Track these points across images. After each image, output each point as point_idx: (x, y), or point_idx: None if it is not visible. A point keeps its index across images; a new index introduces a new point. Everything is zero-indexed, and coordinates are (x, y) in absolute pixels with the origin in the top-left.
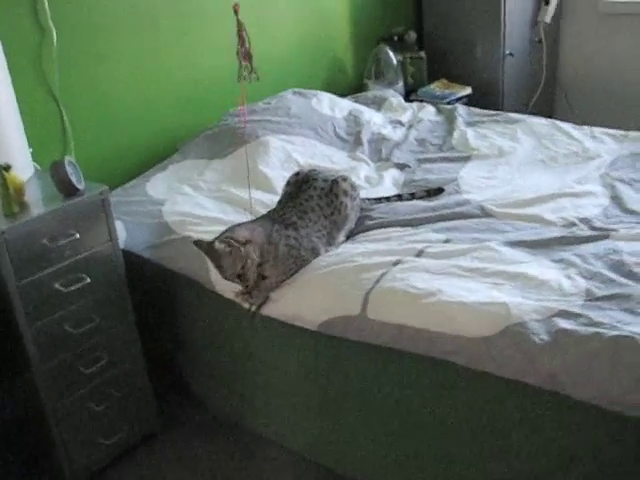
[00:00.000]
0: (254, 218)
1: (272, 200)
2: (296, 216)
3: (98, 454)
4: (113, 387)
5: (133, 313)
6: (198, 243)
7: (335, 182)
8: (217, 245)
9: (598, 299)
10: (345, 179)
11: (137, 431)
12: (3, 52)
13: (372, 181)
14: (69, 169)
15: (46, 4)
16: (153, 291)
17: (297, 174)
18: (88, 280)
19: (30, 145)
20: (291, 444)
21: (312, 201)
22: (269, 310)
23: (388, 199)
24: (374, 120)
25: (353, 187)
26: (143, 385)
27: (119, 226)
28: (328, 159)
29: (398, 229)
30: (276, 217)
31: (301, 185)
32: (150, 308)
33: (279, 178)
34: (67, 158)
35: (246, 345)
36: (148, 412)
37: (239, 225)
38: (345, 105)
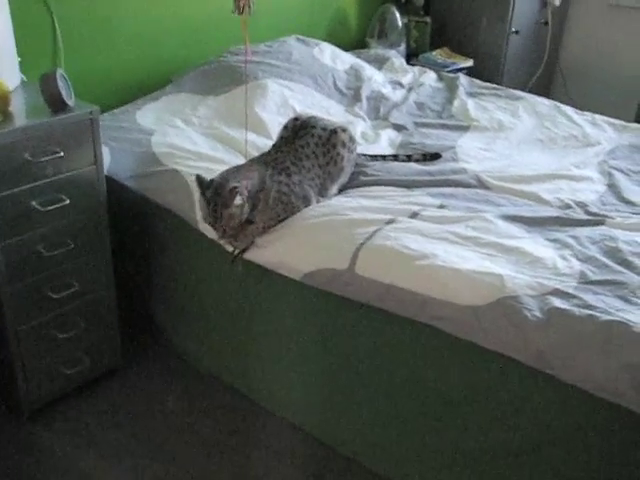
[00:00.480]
0: (250, 159)
1: (265, 144)
2: (290, 161)
3: (57, 383)
4: (80, 316)
5: (110, 242)
6: (201, 180)
7: (334, 132)
8: (236, 199)
9: (592, 283)
10: (344, 130)
11: (99, 364)
12: None
13: (368, 138)
14: (60, 82)
15: None
16: (132, 222)
17: (296, 119)
18: (67, 202)
19: (19, 54)
20: (266, 402)
21: (308, 148)
22: (253, 255)
23: (384, 157)
24: (375, 78)
25: (351, 139)
26: (110, 318)
27: (105, 151)
28: (325, 110)
29: (393, 189)
30: (269, 160)
31: (298, 130)
32: (127, 239)
33: (274, 123)
34: (59, 71)
35: (224, 290)
36: (113, 346)
37: (238, 169)
38: (347, 59)
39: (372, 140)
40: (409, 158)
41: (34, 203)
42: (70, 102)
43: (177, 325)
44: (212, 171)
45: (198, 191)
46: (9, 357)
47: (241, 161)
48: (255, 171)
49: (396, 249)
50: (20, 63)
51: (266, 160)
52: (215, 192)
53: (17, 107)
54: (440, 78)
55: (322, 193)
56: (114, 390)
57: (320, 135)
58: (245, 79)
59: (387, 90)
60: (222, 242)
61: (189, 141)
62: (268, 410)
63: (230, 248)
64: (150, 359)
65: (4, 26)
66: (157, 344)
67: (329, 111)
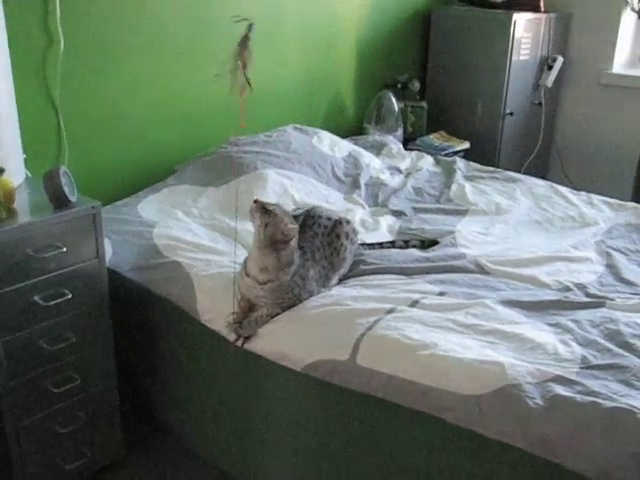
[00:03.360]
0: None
1: None
2: (310, 253)
3: (58, 478)
4: (81, 409)
5: (112, 336)
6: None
7: (339, 223)
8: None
9: (594, 367)
10: (348, 222)
11: (100, 458)
12: (9, 54)
13: (368, 225)
14: (63, 179)
15: (57, 11)
16: (134, 314)
17: (295, 209)
18: (69, 296)
19: (24, 151)
20: None
21: (316, 239)
22: (254, 346)
23: (381, 245)
24: (373, 164)
25: (354, 231)
26: (112, 410)
27: (106, 244)
28: (324, 198)
29: (392, 276)
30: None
31: (306, 220)
32: (129, 331)
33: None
34: (62, 168)
35: (225, 381)
36: (114, 438)
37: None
38: (345, 146)
39: (372, 227)
40: (406, 244)
41: (36, 298)
42: (73, 198)
43: (178, 415)
44: (213, 262)
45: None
46: (8, 454)
47: (242, 253)
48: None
49: (397, 339)
50: (25, 160)
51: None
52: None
53: (21, 203)
54: (437, 162)
55: (324, 284)
56: None
57: (325, 225)
58: (243, 169)
59: (385, 176)
60: (227, 330)
61: (190, 233)
62: None
63: (232, 337)
64: (152, 449)
65: (11, 125)
66: (159, 434)
67: (328, 199)
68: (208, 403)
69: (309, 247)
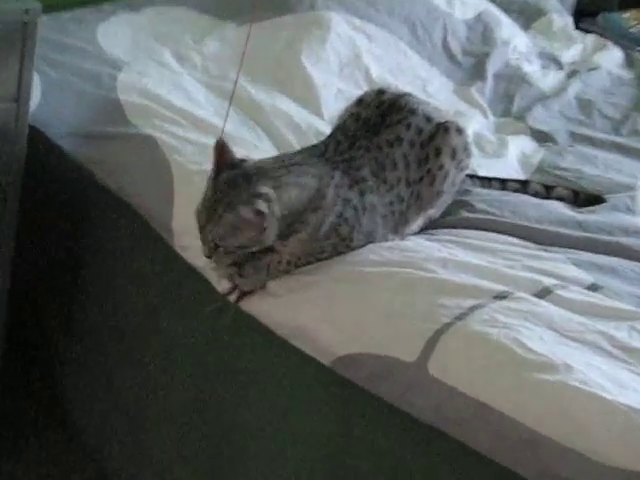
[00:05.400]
0: (297, 150)
1: (310, 124)
2: (369, 168)
3: None
4: None
5: (14, 234)
6: (222, 150)
7: (444, 128)
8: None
9: None
10: (460, 131)
11: None
12: None
13: (486, 145)
14: None
15: None
16: (60, 211)
17: (381, 92)
18: None
19: None
20: None
21: (399, 148)
22: (257, 308)
23: (503, 184)
24: (515, 43)
25: (466, 149)
26: None
27: (35, 82)
28: (421, 84)
29: (514, 241)
30: (337, 159)
31: (387, 113)
32: (45, 240)
33: (331, 89)
34: None
35: (202, 357)
36: None
37: (283, 165)
38: (474, 2)
39: (492, 150)
40: (548, 193)
41: None
42: None
43: (83, 405)
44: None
45: (211, 170)
46: None
47: (267, 145)
48: (308, 175)
49: (505, 345)
50: None
51: (331, 157)
52: (231, 183)
53: None
54: (630, 61)
55: (397, 227)
56: None
57: (421, 129)
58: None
59: (533, 68)
60: (216, 273)
61: (182, 93)
62: None
63: (225, 285)
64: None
65: None
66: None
67: (427, 86)
68: (161, 382)
69: (380, 159)
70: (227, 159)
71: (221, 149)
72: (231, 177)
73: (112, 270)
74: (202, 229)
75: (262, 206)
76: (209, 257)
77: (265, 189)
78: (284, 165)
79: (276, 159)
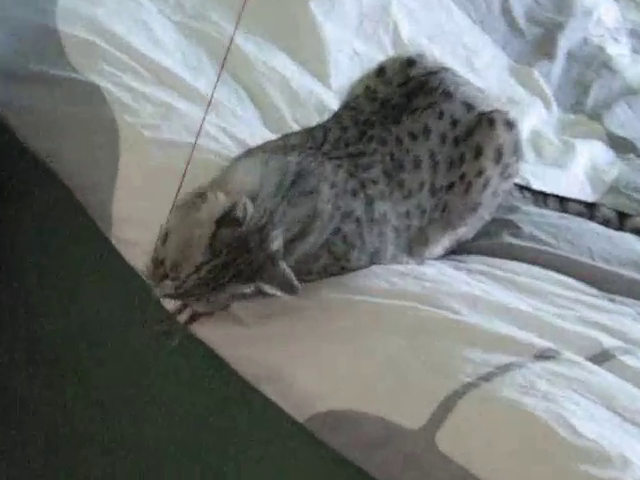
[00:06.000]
0: (290, 137)
1: (309, 92)
2: (382, 167)
3: None
4: None
5: None
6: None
7: (488, 120)
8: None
9: None
10: (510, 124)
11: None
12: None
13: (545, 148)
14: None
15: None
16: None
17: (410, 63)
18: None
19: None
20: None
21: (424, 144)
22: (214, 334)
23: (564, 203)
24: (600, 13)
25: (516, 149)
26: None
27: None
28: (465, 55)
29: (570, 282)
30: (341, 152)
31: (414, 94)
32: None
33: (343, 50)
34: None
35: (140, 381)
36: None
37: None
38: None
39: (553, 156)
40: (622, 221)
41: None
42: None
43: None
44: (174, 114)
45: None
46: None
47: (250, 114)
48: (306, 193)
49: (542, 422)
50: None
51: (333, 150)
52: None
53: None
54: None
55: (412, 248)
56: None
57: (456, 119)
58: None
59: (620, 50)
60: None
61: (144, 31)
62: None
63: (172, 303)
64: None
65: None
66: None
67: (473, 60)
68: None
69: (398, 156)
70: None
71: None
72: (240, 238)
73: (27, 249)
74: (173, 278)
75: (284, 271)
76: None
77: (277, 245)
78: (284, 195)
79: (270, 178)
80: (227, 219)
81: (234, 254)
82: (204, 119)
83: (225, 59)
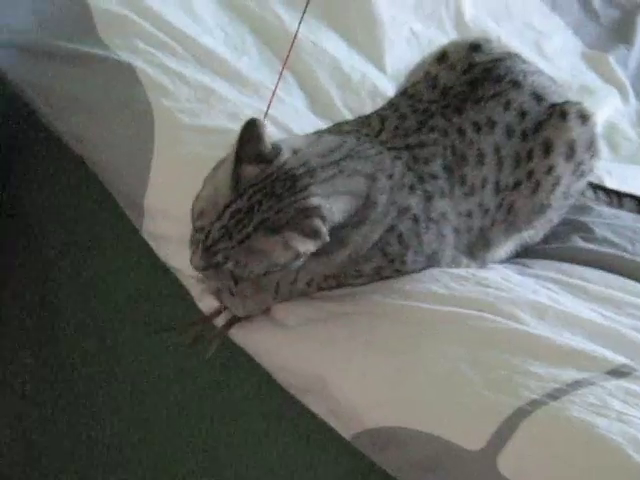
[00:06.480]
0: (343, 125)
1: (363, 75)
2: (442, 160)
3: None
4: None
5: None
6: (253, 133)
7: (560, 112)
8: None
9: None
10: (584, 117)
11: None
12: None
13: (622, 144)
14: None
15: None
16: None
17: (474, 47)
18: None
19: None
20: None
21: (489, 136)
22: (254, 340)
23: None
24: None
25: (591, 145)
26: None
27: None
28: (534, 38)
29: None
30: (399, 143)
31: (479, 82)
32: None
33: (399, 31)
34: None
35: (170, 392)
36: None
37: (328, 160)
38: None
39: (631, 152)
40: None
41: None
42: None
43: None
44: (215, 99)
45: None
46: None
47: (297, 99)
48: (360, 174)
49: (615, 445)
50: None
51: (390, 140)
52: (268, 186)
53: None
54: None
55: (474, 251)
56: None
57: (526, 110)
58: None
59: None
60: (199, 283)
61: (181, 6)
62: None
63: (211, 302)
64: None
65: None
66: None
67: (542, 44)
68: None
69: (460, 149)
70: (257, 148)
71: (253, 133)
72: (268, 178)
73: (49, 241)
74: (200, 230)
75: (319, 227)
76: (201, 270)
77: (317, 201)
78: (334, 160)
79: (321, 144)
80: (251, 154)
81: (259, 196)
82: (266, 113)
83: (287, 57)
